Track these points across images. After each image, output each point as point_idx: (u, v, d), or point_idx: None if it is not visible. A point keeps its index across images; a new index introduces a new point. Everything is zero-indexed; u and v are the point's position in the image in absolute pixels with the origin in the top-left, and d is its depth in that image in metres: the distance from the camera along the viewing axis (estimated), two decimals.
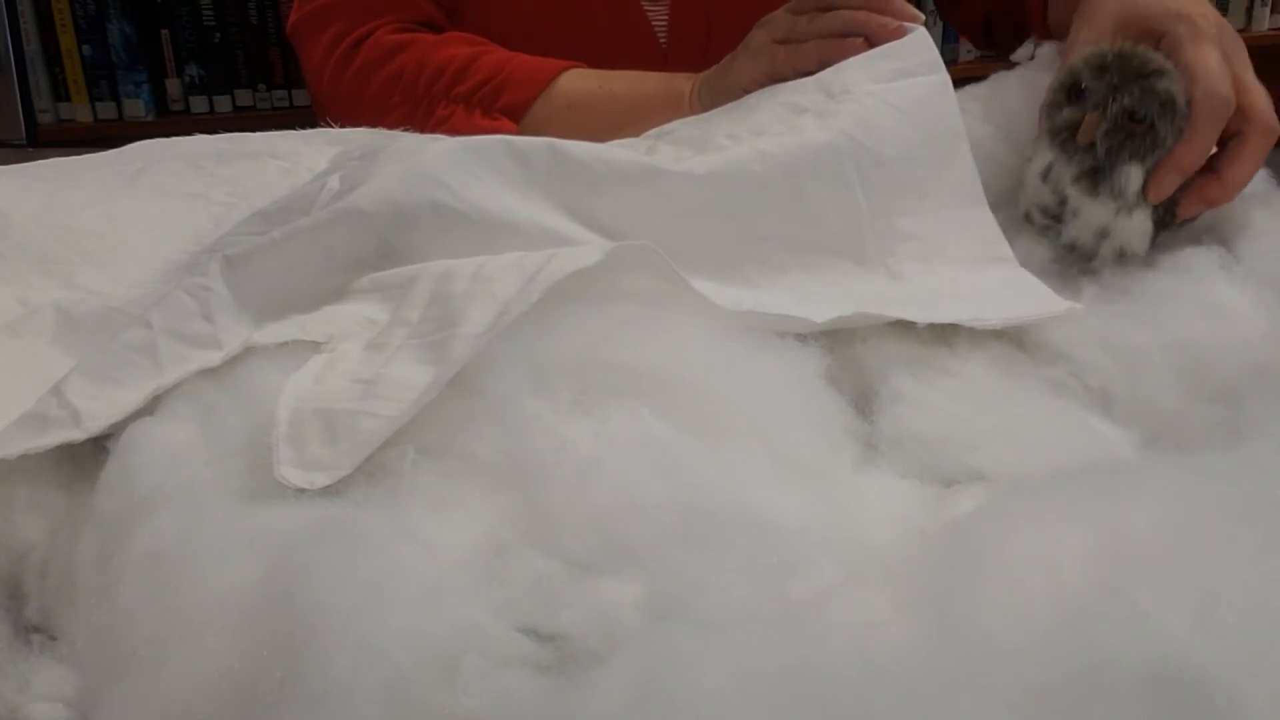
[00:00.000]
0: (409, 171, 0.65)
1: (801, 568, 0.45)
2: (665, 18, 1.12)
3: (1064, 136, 0.71)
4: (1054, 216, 0.72)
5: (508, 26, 1.07)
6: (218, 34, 2.08)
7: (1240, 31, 2.64)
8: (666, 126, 0.79)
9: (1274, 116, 0.72)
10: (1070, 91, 0.71)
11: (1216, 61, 0.70)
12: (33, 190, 0.84)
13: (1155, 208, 0.71)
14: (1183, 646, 0.38)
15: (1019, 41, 0.84)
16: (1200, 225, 0.74)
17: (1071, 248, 0.72)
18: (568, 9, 1.10)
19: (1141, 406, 0.61)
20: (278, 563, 0.45)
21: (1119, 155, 0.69)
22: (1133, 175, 0.70)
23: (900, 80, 0.74)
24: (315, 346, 0.58)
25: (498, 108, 0.97)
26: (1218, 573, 0.40)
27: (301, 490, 0.50)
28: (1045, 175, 0.72)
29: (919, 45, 0.76)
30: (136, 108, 2.08)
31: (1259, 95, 0.72)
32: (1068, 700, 0.37)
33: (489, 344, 0.54)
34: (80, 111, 2.08)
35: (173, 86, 2.10)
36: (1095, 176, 0.70)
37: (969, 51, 2.21)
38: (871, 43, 0.78)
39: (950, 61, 2.29)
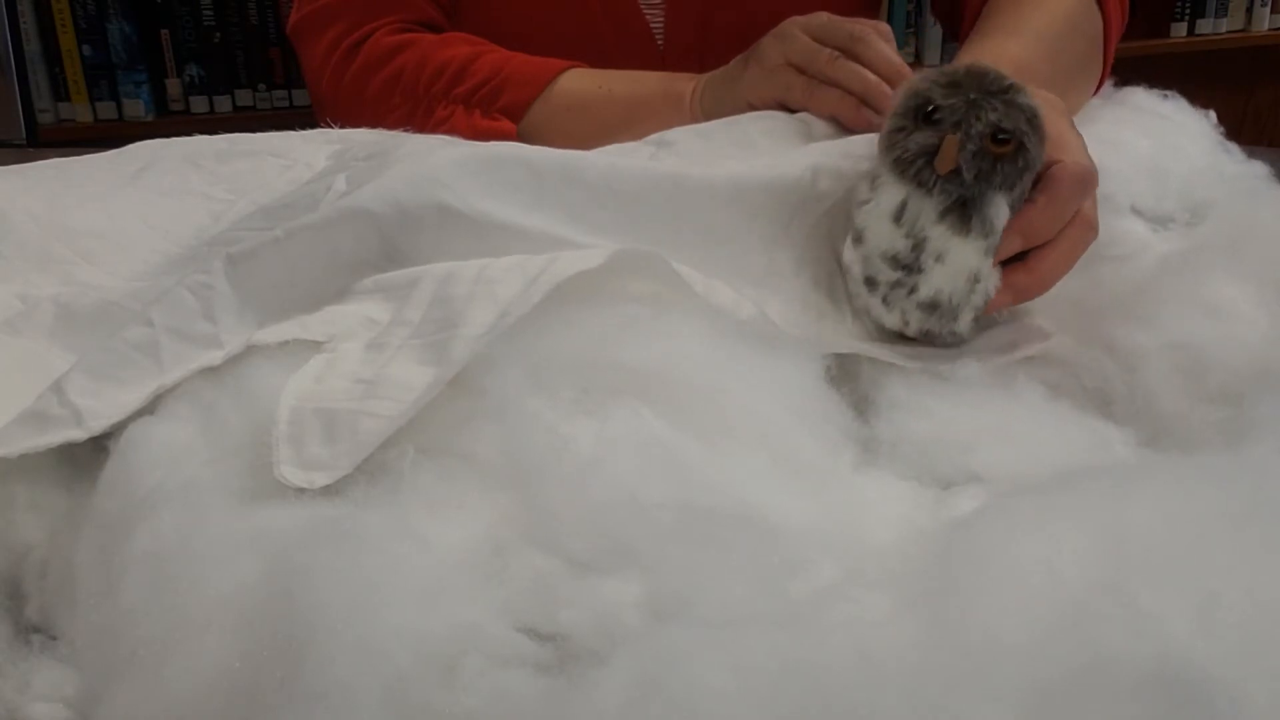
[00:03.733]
0: (416, 174, 0.65)
1: (801, 568, 0.45)
2: (662, 20, 1.12)
3: (918, 166, 0.59)
4: (907, 267, 0.61)
5: (508, 27, 1.07)
6: (218, 34, 2.08)
7: (1240, 32, 2.65)
8: (668, 135, 0.79)
9: (1097, 217, 0.65)
10: (918, 114, 0.59)
11: (1077, 138, 0.65)
12: (33, 190, 0.84)
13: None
14: (1183, 646, 0.38)
15: None
16: (1201, 225, 0.74)
17: (932, 305, 0.61)
18: (566, 10, 1.10)
19: (1141, 407, 0.61)
20: (278, 563, 0.45)
21: (989, 182, 0.59)
22: (1002, 206, 0.60)
23: None
24: (316, 346, 0.58)
25: (497, 108, 0.97)
26: (1218, 573, 0.40)
27: (301, 490, 0.50)
28: (898, 216, 0.60)
29: None
30: (136, 108, 2.08)
31: (1093, 196, 0.66)
32: (1068, 700, 0.37)
33: (489, 344, 0.54)
34: (80, 111, 2.08)
35: (173, 86, 2.10)
36: (964, 210, 0.59)
37: None
38: None
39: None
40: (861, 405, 0.59)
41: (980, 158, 0.58)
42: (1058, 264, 0.65)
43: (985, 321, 0.66)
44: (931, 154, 0.59)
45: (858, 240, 0.62)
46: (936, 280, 0.61)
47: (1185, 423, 0.60)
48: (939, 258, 0.60)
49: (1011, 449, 0.56)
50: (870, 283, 0.62)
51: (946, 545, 0.46)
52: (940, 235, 0.60)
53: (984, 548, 0.44)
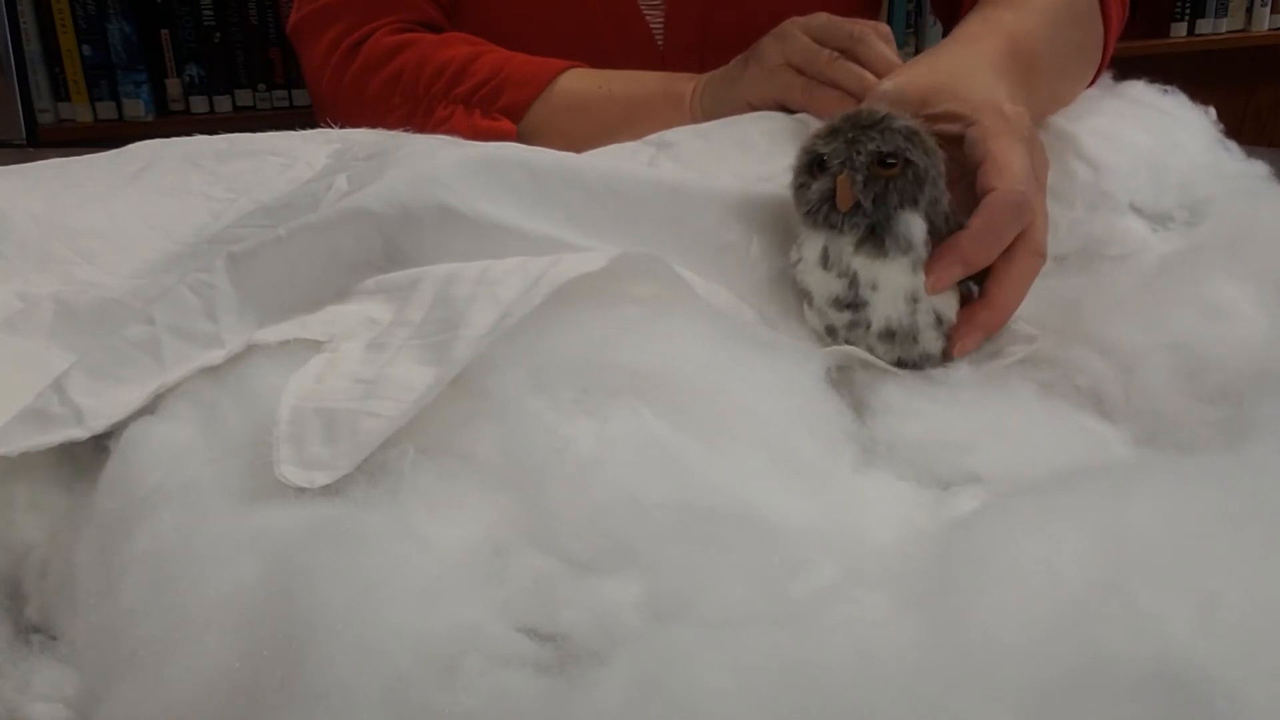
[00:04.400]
0: (419, 175, 0.65)
1: (801, 568, 0.45)
2: (662, 20, 1.13)
3: (825, 210, 0.62)
4: (851, 305, 0.63)
5: (508, 27, 1.07)
6: (218, 34, 2.08)
7: (1240, 32, 2.65)
8: (667, 136, 0.80)
9: (1045, 243, 0.66)
10: (811, 168, 0.63)
11: (1021, 162, 0.65)
12: (33, 190, 0.84)
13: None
14: (1183, 647, 0.37)
15: None
16: (1201, 225, 0.74)
17: (890, 334, 0.63)
18: (566, 10, 1.10)
19: (1141, 406, 0.61)
20: (278, 563, 0.45)
21: (888, 202, 0.61)
22: (912, 221, 0.62)
23: None
24: (317, 345, 0.58)
25: (497, 108, 0.97)
26: (1218, 573, 0.40)
27: (302, 489, 0.50)
28: (824, 262, 0.63)
29: None
30: (136, 108, 2.08)
31: (1041, 220, 0.66)
32: (1068, 700, 0.37)
33: (490, 345, 0.54)
34: (80, 111, 2.08)
35: (173, 86, 2.10)
36: (876, 234, 0.62)
37: None
38: None
39: None
40: (857, 409, 0.60)
41: (872, 184, 0.61)
42: (1013, 294, 0.66)
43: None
44: (831, 197, 0.62)
45: (807, 299, 0.65)
46: (881, 308, 0.63)
47: (1185, 422, 0.60)
48: (873, 286, 0.63)
49: (1009, 449, 0.56)
50: (830, 331, 0.65)
51: (946, 545, 0.46)
52: (864, 264, 0.62)
53: (984, 548, 0.44)
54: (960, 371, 0.62)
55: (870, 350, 0.64)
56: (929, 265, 0.63)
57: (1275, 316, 0.65)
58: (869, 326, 0.63)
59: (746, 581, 0.44)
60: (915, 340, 0.64)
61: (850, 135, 0.62)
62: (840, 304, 0.63)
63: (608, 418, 0.51)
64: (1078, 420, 0.59)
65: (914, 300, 0.63)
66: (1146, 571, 0.40)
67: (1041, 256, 0.66)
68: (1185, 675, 0.37)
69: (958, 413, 0.59)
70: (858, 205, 0.61)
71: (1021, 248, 0.65)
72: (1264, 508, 0.43)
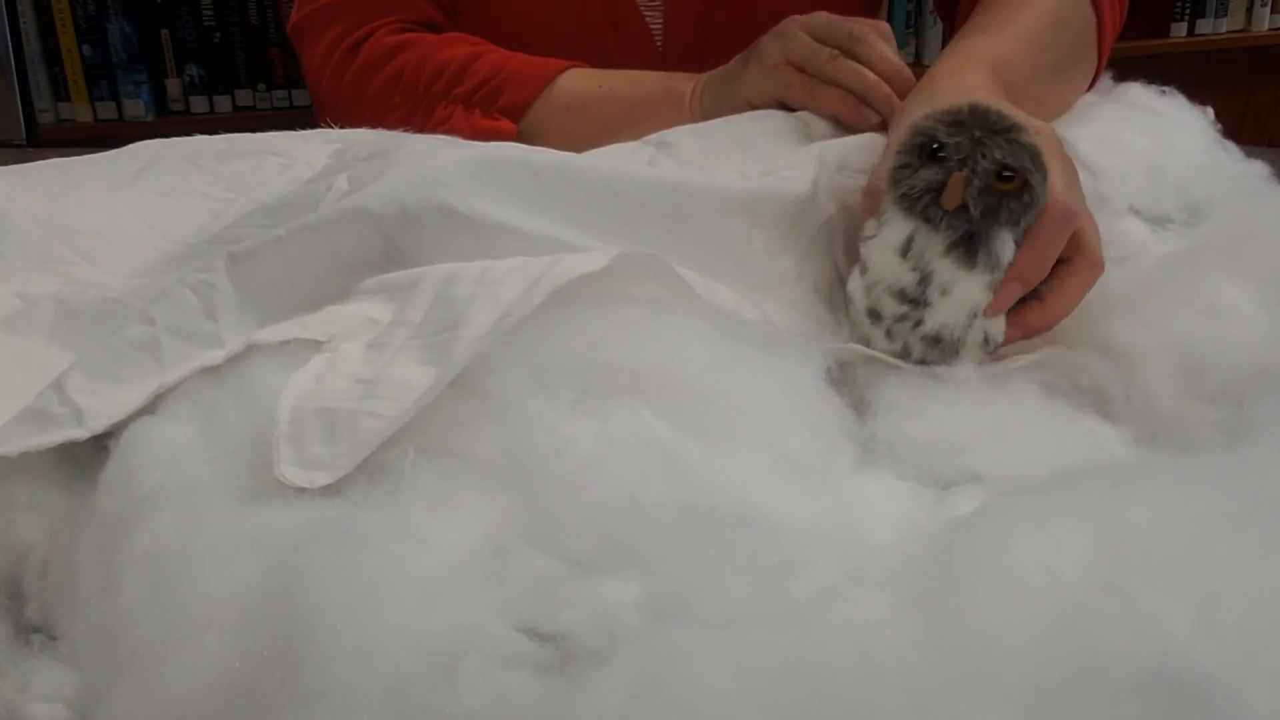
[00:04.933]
0: (419, 175, 0.65)
1: (802, 567, 0.45)
2: (661, 20, 1.13)
3: (925, 202, 0.60)
4: (913, 301, 0.62)
5: (508, 27, 1.07)
6: (218, 34, 2.08)
7: (1240, 32, 2.65)
8: (666, 135, 0.80)
9: (1101, 252, 0.66)
10: (923, 151, 0.61)
11: (1060, 175, 0.64)
12: (33, 190, 0.84)
13: None
14: (1183, 646, 0.38)
15: None
16: (1201, 225, 0.74)
17: (936, 339, 0.63)
18: (566, 10, 1.10)
19: (1141, 407, 0.61)
20: (278, 563, 0.45)
21: (995, 218, 0.60)
22: (1007, 242, 0.61)
23: None
24: (317, 345, 0.58)
25: (497, 108, 0.97)
26: (1218, 573, 0.40)
27: (301, 490, 0.50)
28: (904, 251, 0.61)
29: None
30: (136, 108, 2.08)
31: (1090, 223, 0.66)
32: (1068, 700, 0.37)
33: (490, 345, 0.54)
34: (80, 111, 2.08)
35: (173, 86, 2.10)
36: (971, 244, 0.60)
37: None
38: (885, 122, 0.79)
39: None
40: (859, 408, 0.60)
41: (986, 194, 0.60)
42: (1067, 302, 0.66)
43: None
44: (938, 190, 0.60)
45: (864, 271, 0.64)
46: (942, 314, 0.62)
47: (1184, 422, 0.60)
48: (945, 291, 0.62)
49: (1010, 449, 0.56)
50: (874, 315, 0.63)
51: (946, 545, 0.46)
52: (947, 269, 0.61)
53: (984, 548, 0.44)
54: (962, 371, 0.62)
55: (905, 345, 0.63)
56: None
57: (1275, 316, 0.65)
58: (919, 325, 0.62)
59: (746, 581, 0.44)
60: (956, 353, 0.63)
61: (978, 134, 0.60)
62: (903, 297, 0.62)
63: (608, 418, 0.51)
64: (1078, 420, 0.59)
65: (974, 317, 0.62)
66: (1146, 571, 0.40)
67: (1098, 268, 0.66)
68: (1185, 675, 0.37)
69: (959, 412, 0.59)
70: (964, 208, 0.60)
71: (1080, 259, 0.66)
72: (1264, 508, 0.43)
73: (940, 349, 0.63)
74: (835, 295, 0.69)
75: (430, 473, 0.51)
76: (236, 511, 0.49)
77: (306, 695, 0.40)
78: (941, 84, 0.77)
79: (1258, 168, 0.87)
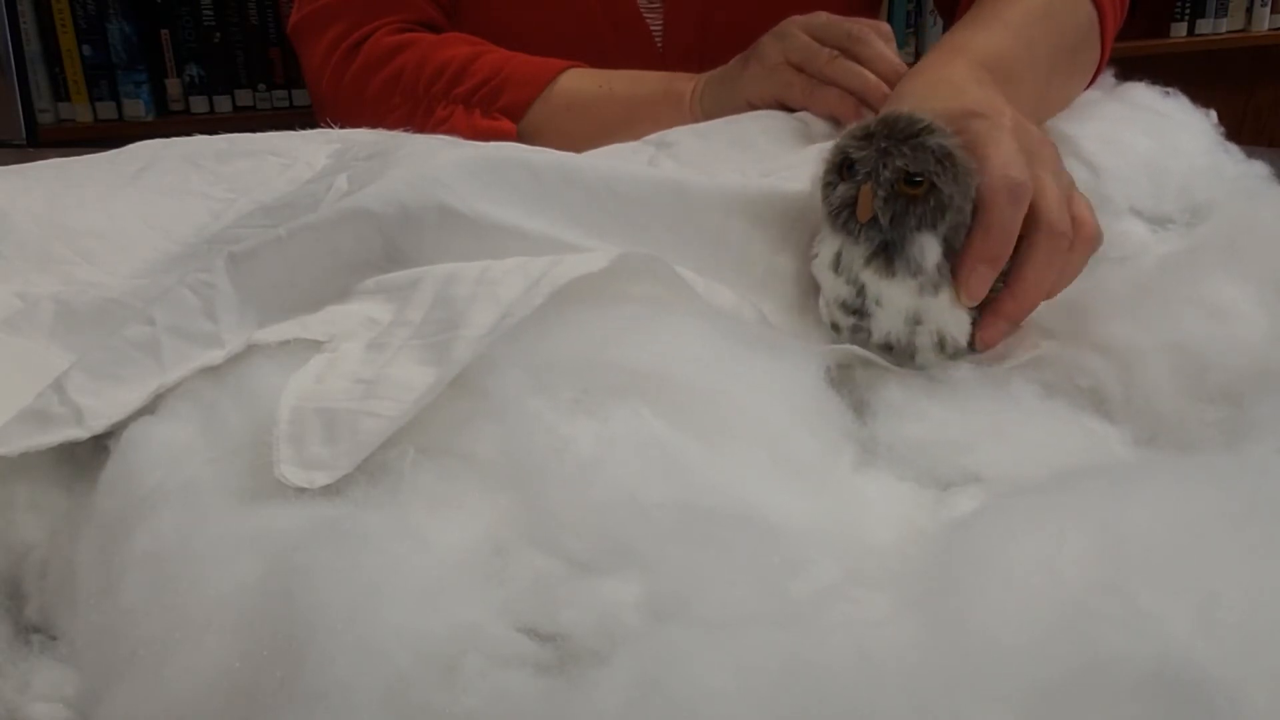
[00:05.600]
0: (419, 175, 0.65)
1: (802, 567, 0.45)
2: (661, 21, 1.13)
3: (845, 216, 0.62)
4: (857, 311, 0.63)
5: (508, 27, 1.07)
6: (218, 34, 2.08)
7: (1240, 32, 2.64)
8: (666, 135, 0.80)
9: (1066, 220, 0.64)
10: (841, 168, 0.62)
11: (1009, 148, 0.64)
12: (33, 190, 0.84)
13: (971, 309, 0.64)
14: (1183, 647, 0.38)
15: None
16: (1201, 225, 0.74)
17: (889, 347, 0.64)
18: (566, 10, 1.10)
19: (1141, 407, 0.61)
20: (278, 563, 0.45)
21: (905, 224, 0.61)
22: (927, 245, 0.61)
23: None
24: (317, 345, 0.59)
25: (497, 107, 0.97)
26: (1218, 573, 0.40)
27: (301, 490, 0.50)
28: (836, 264, 0.63)
29: None
30: (136, 108, 2.08)
31: (1050, 197, 0.64)
32: (1068, 700, 0.37)
33: (490, 345, 0.54)
34: (80, 111, 2.08)
35: (173, 86, 2.10)
36: (888, 253, 0.62)
37: None
38: None
39: None
40: (858, 409, 0.60)
41: (893, 201, 0.61)
42: (1035, 278, 0.64)
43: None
44: (853, 204, 0.61)
45: (820, 291, 0.66)
46: (883, 323, 0.63)
47: (1184, 423, 0.60)
48: (878, 301, 0.63)
49: (1009, 449, 0.56)
50: (835, 328, 0.65)
51: (946, 545, 0.46)
52: (871, 279, 0.62)
53: (984, 548, 0.44)
54: (961, 371, 0.62)
55: (872, 354, 0.64)
56: (958, 279, 0.62)
57: (1275, 316, 0.65)
58: (870, 335, 0.64)
59: (746, 581, 0.44)
60: (912, 357, 0.64)
61: (883, 144, 0.61)
62: (847, 308, 0.64)
63: (608, 418, 0.51)
64: (1078, 420, 0.59)
65: (916, 322, 0.63)
66: (1146, 571, 0.40)
67: (1059, 234, 0.64)
68: (1185, 675, 0.37)
69: (959, 413, 0.59)
70: (875, 219, 0.61)
71: (1038, 233, 0.64)
72: (1264, 508, 0.43)
73: (897, 355, 0.64)
74: None
75: (430, 473, 0.51)
76: (236, 511, 0.49)
77: (306, 695, 0.40)
78: (923, 77, 0.76)
79: (1258, 168, 0.87)
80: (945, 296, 0.63)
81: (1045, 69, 0.85)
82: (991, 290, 0.64)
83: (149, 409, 0.56)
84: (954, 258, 0.63)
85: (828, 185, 0.63)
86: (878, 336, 0.64)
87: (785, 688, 0.38)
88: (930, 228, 0.61)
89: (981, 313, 0.64)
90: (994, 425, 0.58)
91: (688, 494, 0.48)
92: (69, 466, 0.56)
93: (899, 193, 0.60)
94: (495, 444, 0.51)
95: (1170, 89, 0.93)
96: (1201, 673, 0.37)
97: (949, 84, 0.73)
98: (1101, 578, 0.40)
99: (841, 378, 0.62)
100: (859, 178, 0.61)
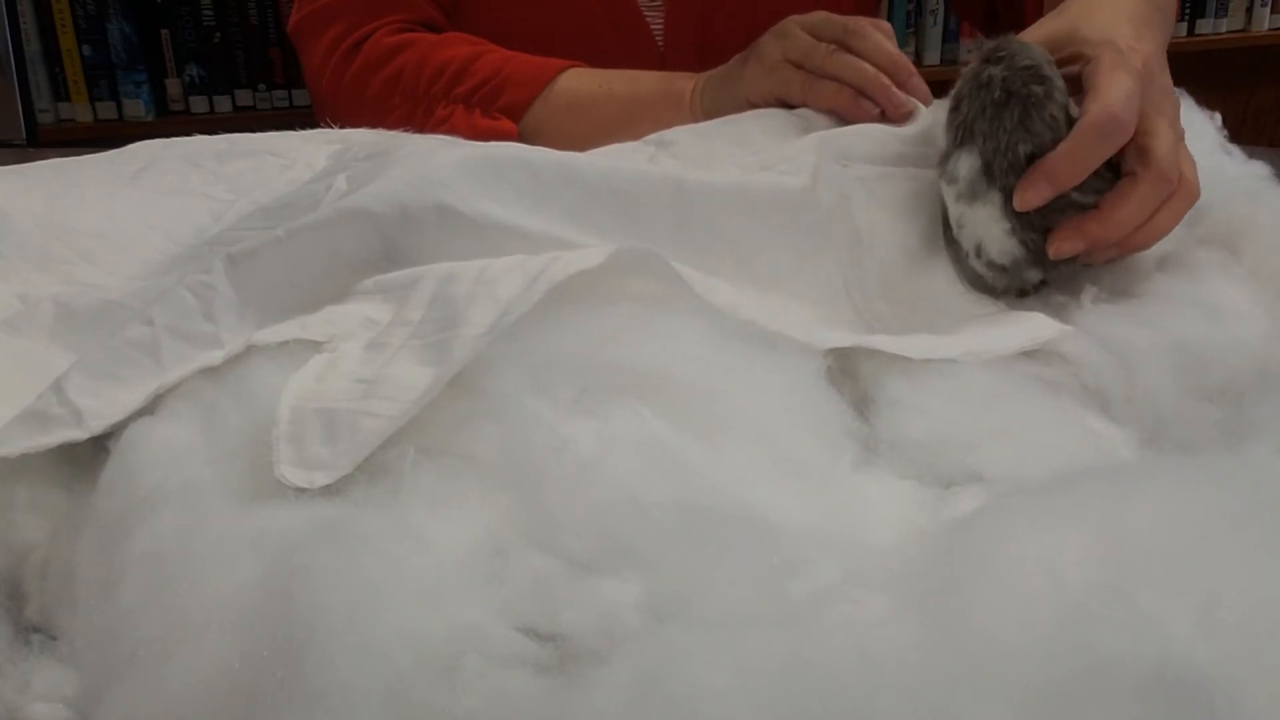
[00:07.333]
0: (417, 174, 0.65)
1: (802, 568, 0.45)
2: (662, 20, 1.13)
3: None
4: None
5: (507, 27, 1.07)
6: (218, 34, 2.08)
7: (1240, 32, 2.64)
8: (666, 135, 0.80)
9: (1175, 169, 0.67)
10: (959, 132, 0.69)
11: (1124, 87, 0.66)
12: (33, 190, 0.84)
13: (1032, 233, 0.68)
14: (1184, 647, 0.37)
15: (1021, 28, 0.84)
16: (1201, 225, 0.74)
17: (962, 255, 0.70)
18: (566, 10, 1.10)
19: (1141, 406, 0.61)
20: (278, 563, 0.45)
21: (955, 142, 0.68)
22: (962, 160, 0.67)
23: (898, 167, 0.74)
24: (316, 346, 0.58)
25: (497, 107, 0.97)
26: (1219, 573, 0.40)
27: (301, 490, 0.50)
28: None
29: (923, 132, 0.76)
30: (136, 108, 2.08)
31: (1165, 142, 0.67)
32: (1068, 701, 0.37)
33: (490, 344, 0.54)
34: (80, 111, 2.08)
35: (173, 86, 2.10)
36: (943, 164, 0.69)
37: (969, 51, 2.21)
38: (884, 113, 0.79)
39: (950, 62, 2.30)
40: (862, 404, 0.59)
41: (955, 124, 0.68)
42: (1126, 212, 0.66)
43: (990, 320, 0.67)
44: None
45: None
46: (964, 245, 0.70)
47: (1185, 423, 0.60)
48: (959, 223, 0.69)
49: (1012, 448, 0.56)
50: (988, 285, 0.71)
51: (946, 545, 0.46)
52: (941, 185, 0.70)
53: (984, 548, 0.44)
54: (969, 369, 0.62)
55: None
56: (1019, 183, 0.66)
57: (1275, 316, 0.65)
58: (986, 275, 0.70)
59: (746, 581, 0.44)
60: (961, 263, 0.70)
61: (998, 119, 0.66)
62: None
63: (607, 417, 0.51)
64: (1081, 420, 0.59)
65: (960, 227, 0.69)
66: (1147, 572, 0.40)
67: (1164, 179, 0.66)
68: (1186, 676, 0.37)
69: (964, 410, 0.59)
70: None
71: (1145, 172, 0.66)
72: (1264, 508, 0.43)
73: (956, 261, 0.71)
74: (835, 285, 0.69)
75: (430, 473, 0.51)
76: (236, 512, 0.49)
77: (306, 696, 0.40)
78: (1076, 4, 0.77)
79: (1258, 168, 0.87)
80: (983, 211, 0.67)
81: (1169, 28, 0.87)
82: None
83: (149, 409, 0.56)
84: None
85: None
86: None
87: (785, 688, 0.38)
88: (971, 146, 0.67)
89: (1062, 227, 0.67)
90: (997, 424, 0.58)
91: (688, 494, 0.48)
92: (69, 467, 0.56)
93: (965, 122, 0.67)
94: (495, 444, 0.51)
95: (1175, 89, 0.92)
96: (1202, 673, 0.37)
97: (1099, 12, 0.75)
98: (1102, 578, 0.40)
99: (845, 372, 0.62)
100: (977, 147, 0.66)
